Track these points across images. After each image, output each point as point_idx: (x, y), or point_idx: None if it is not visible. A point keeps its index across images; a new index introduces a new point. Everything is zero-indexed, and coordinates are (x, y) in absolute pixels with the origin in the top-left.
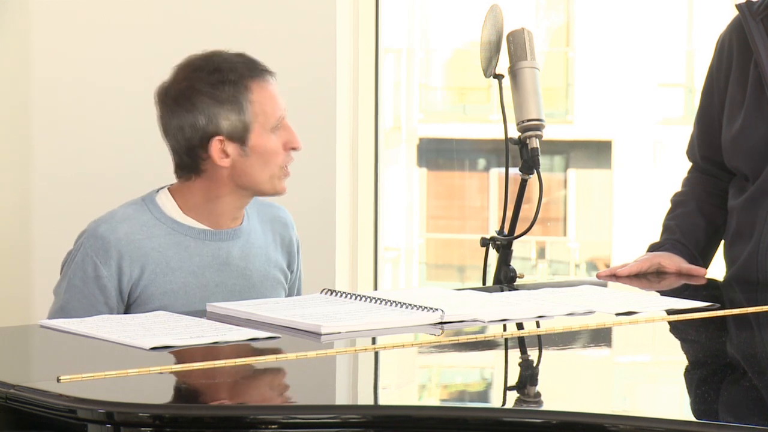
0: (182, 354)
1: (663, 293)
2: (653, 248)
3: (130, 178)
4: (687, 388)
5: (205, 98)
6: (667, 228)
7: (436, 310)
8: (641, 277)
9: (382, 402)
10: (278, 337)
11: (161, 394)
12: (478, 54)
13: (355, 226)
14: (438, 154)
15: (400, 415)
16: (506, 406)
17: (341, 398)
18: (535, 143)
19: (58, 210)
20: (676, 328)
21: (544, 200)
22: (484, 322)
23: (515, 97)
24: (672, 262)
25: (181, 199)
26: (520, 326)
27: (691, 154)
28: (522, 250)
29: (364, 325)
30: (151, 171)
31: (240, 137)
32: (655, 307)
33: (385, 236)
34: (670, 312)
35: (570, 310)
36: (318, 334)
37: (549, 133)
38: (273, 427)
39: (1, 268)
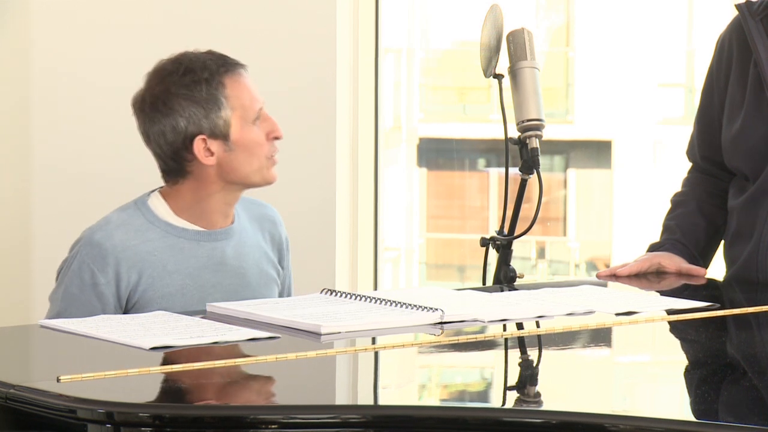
0: (182, 354)
1: (663, 293)
2: (653, 248)
3: (130, 177)
4: (687, 388)
5: (182, 100)
6: (667, 228)
7: (436, 310)
8: (641, 277)
9: (382, 402)
10: (278, 337)
11: (161, 394)
12: (478, 54)
13: (355, 226)
14: (438, 154)
15: (400, 415)
16: (506, 406)
17: (341, 398)
18: (535, 143)
19: (59, 210)
20: (676, 328)
21: (544, 200)
22: (484, 322)
23: (515, 97)
24: (672, 262)
25: (172, 201)
26: (520, 326)
27: (691, 154)
28: (522, 249)
29: (364, 325)
30: (151, 171)
31: (222, 133)
32: (655, 307)
33: (385, 236)
34: (670, 312)
35: (570, 310)
36: (318, 334)
37: (549, 133)
38: (273, 427)
39: (1, 268)
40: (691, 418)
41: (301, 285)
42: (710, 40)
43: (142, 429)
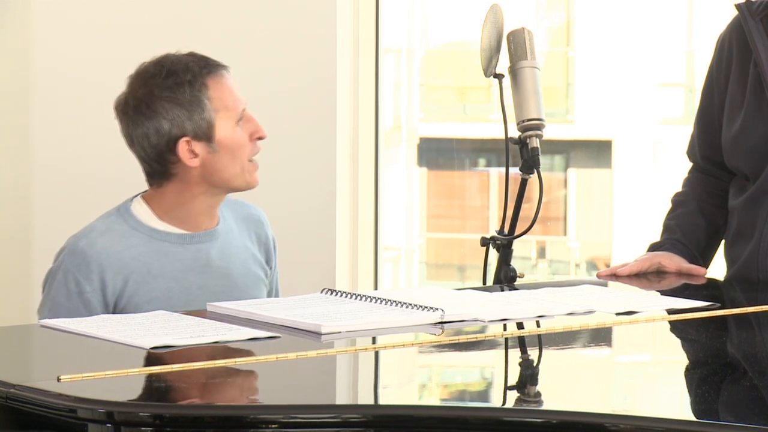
0: (182, 354)
1: (663, 293)
2: (653, 248)
3: (130, 177)
4: (687, 387)
5: (165, 102)
6: (667, 228)
7: (437, 309)
8: (641, 277)
9: (382, 401)
10: (278, 337)
11: (161, 393)
12: (479, 54)
13: (355, 226)
14: (438, 153)
15: (401, 414)
16: (506, 406)
17: (341, 398)
18: (535, 143)
19: (59, 210)
20: (677, 327)
21: (544, 200)
22: (484, 321)
23: (515, 96)
24: (672, 261)
25: (155, 205)
26: (520, 326)
27: (691, 154)
28: (522, 249)
29: (364, 325)
30: None
31: (206, 135)
32: (655, 306)
33: (385, 236)
34: (670, 312)
35: (570, 309)
36: (318, 334)
37: (549, 133)
38: (273, 426)
39: (1, 268)
40: (692, 417)
41: (301, 285)
42: (710, 40)
43: (143, 429)
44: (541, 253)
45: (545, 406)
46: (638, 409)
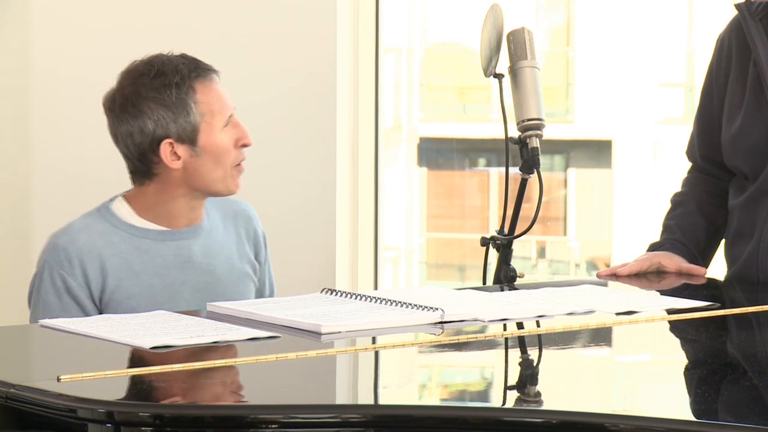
0: (182, 353)
1: (663, 293)
2: (653, 248)
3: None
4: (687, 387)
5: (151, 103)
6: (667, 228)
7: (436, 309)
8: (641, 277)
9: (382, 401)
10: (278, 337)
11: (161, 393)
12: (479, 53)
13: (355, 226)
14: (438, 153)
15: (401, 414)
16: (506, 406)
17: (341, 398)
18: (535, 143)
19: (59, 210)
20: (676, 327)
21: (544, 200)
22: (484, 321)
23: (515, 96)
24: (672, 261)
25: (136, 203)
26: (520, 326)
27: (690, 154)
28: (522, 249)
29: (364, 325)
30: None
31: (190, 138)
32: (655, 306)
33: (385, 236)
34: (670, 311)
35: (570, 309)
36: (318, 334)
37: (549, 133)
38: (273, 426)
39: (1, 268)
40: (691, 417)
41: (301, 285)
42: (710, 40)
43: (143, 429)
44: (541, 253)
45: (545, 406)
46: (638, 409)
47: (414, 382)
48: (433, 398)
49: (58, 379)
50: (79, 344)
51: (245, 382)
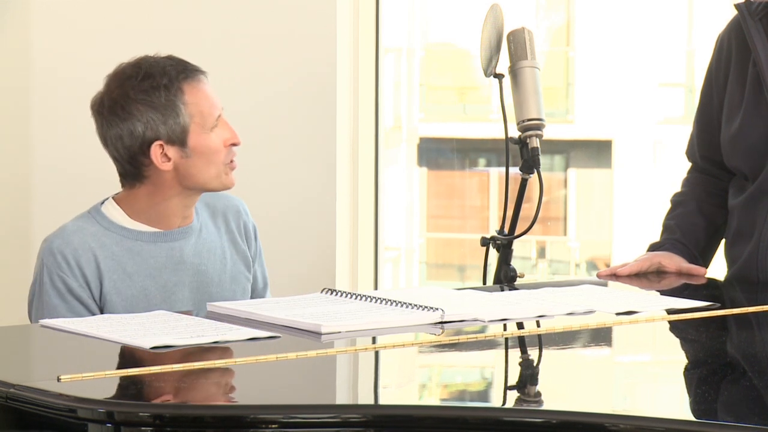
0: (182, 353)
1: (663, 293)
2: (653, 248)
3: None
4: (687, 387)
5: (140, 105)
6: (667, 228)
7: (437, 309)
8: (641, 277)
9: (382, 401)
10: (278, 337)
11: (161, 393)
12: (479, 54)
13: (355, 226)
14: (438, 153)
15: (401, 414)
16: (506, 406)
17: (341, 398)
18: (535, 143)
19: (59, 210)
20: (676, 327)
21: (544, 200)
22: (484, 321)
23: (515, 96)
24: (672, 261)
25: (127, 206)
26: (520, 326)
27: (690, 154)
28: (522, 249)
29: (364, 325)
30: None
31: (179, 139)
32: (655, 306)
33: (385, 236)
34: (670, 311)
35: (570, 309)
36: (318, 334)
37: (549, 133)
38: (273, 426)
39: (1, 268)
40: (692, 417)
41: (301, 285)
42: (710, 40)
43: (143, 428)
44: (541, 253)
45: (545, 406)
46: (638, 409)
47: (414, 382)
48: (433, 398)
49: (58, 379)
50: (79, 344)
51: (245, 382)
